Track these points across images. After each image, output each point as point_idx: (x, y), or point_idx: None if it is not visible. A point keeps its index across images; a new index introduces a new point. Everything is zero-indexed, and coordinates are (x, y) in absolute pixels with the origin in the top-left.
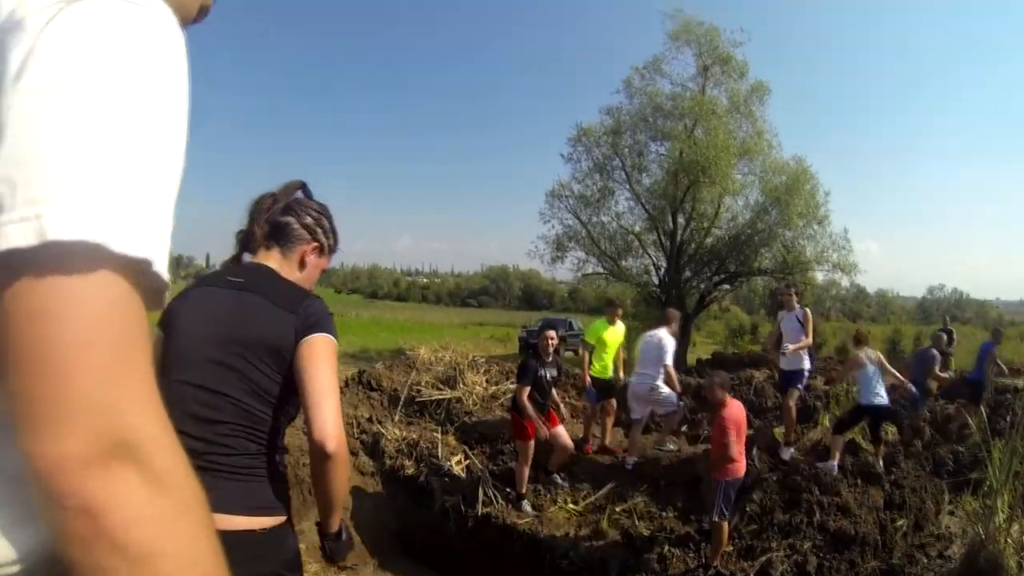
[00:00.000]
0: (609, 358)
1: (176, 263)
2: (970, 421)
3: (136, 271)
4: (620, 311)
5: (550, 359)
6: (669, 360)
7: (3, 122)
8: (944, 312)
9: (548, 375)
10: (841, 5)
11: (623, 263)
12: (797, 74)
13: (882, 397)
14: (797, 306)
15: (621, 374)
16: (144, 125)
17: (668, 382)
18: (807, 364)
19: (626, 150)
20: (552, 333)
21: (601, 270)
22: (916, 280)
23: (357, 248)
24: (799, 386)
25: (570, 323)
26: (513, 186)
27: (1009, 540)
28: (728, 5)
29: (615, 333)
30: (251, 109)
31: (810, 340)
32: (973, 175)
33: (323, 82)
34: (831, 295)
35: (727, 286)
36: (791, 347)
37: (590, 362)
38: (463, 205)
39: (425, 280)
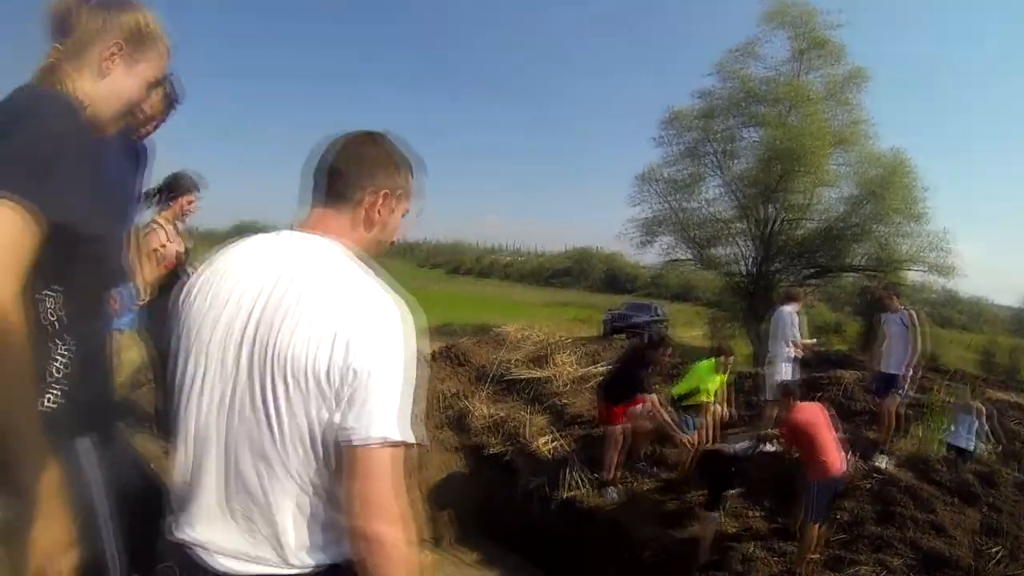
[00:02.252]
0: (707, 398)
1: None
2: None
3: (405, 445)
4: (732, 359)
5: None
6: (797, 334)
7: (348, 391)
8: None
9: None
10: None
11: (711, 251)
12: (895, 56)
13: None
14: (900, 307)
15: (732, 408)
16: (406, 376)
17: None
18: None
19: (718, 135)
20: (671, 350)
21: (688, 257)
22: (1012, 288)
23: (445, 225)
24: (900, 391)
25: (655, 308)
26: (601, 169)
27: None
28: None
29: (719, 382)
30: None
31: (920, 344)
32: None
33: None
34: (922, 298)
35: (816, 281)
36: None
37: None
38: (552, 185)
39: (508, 258)
